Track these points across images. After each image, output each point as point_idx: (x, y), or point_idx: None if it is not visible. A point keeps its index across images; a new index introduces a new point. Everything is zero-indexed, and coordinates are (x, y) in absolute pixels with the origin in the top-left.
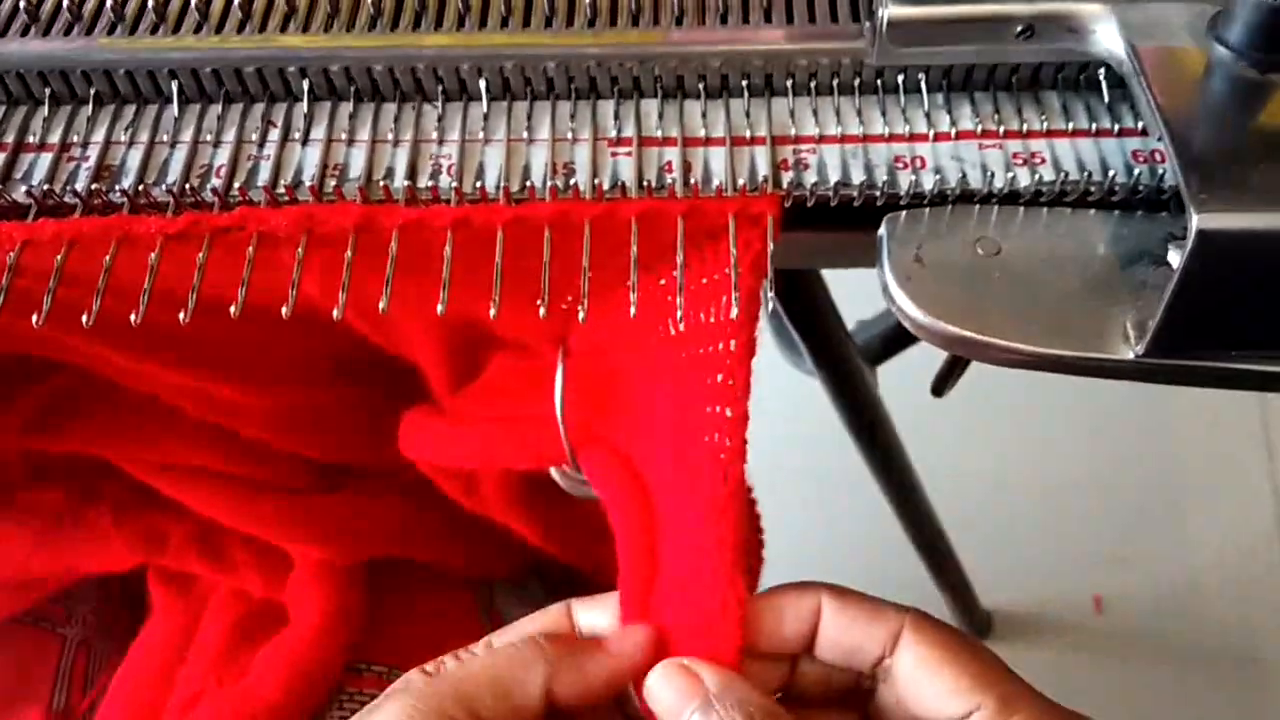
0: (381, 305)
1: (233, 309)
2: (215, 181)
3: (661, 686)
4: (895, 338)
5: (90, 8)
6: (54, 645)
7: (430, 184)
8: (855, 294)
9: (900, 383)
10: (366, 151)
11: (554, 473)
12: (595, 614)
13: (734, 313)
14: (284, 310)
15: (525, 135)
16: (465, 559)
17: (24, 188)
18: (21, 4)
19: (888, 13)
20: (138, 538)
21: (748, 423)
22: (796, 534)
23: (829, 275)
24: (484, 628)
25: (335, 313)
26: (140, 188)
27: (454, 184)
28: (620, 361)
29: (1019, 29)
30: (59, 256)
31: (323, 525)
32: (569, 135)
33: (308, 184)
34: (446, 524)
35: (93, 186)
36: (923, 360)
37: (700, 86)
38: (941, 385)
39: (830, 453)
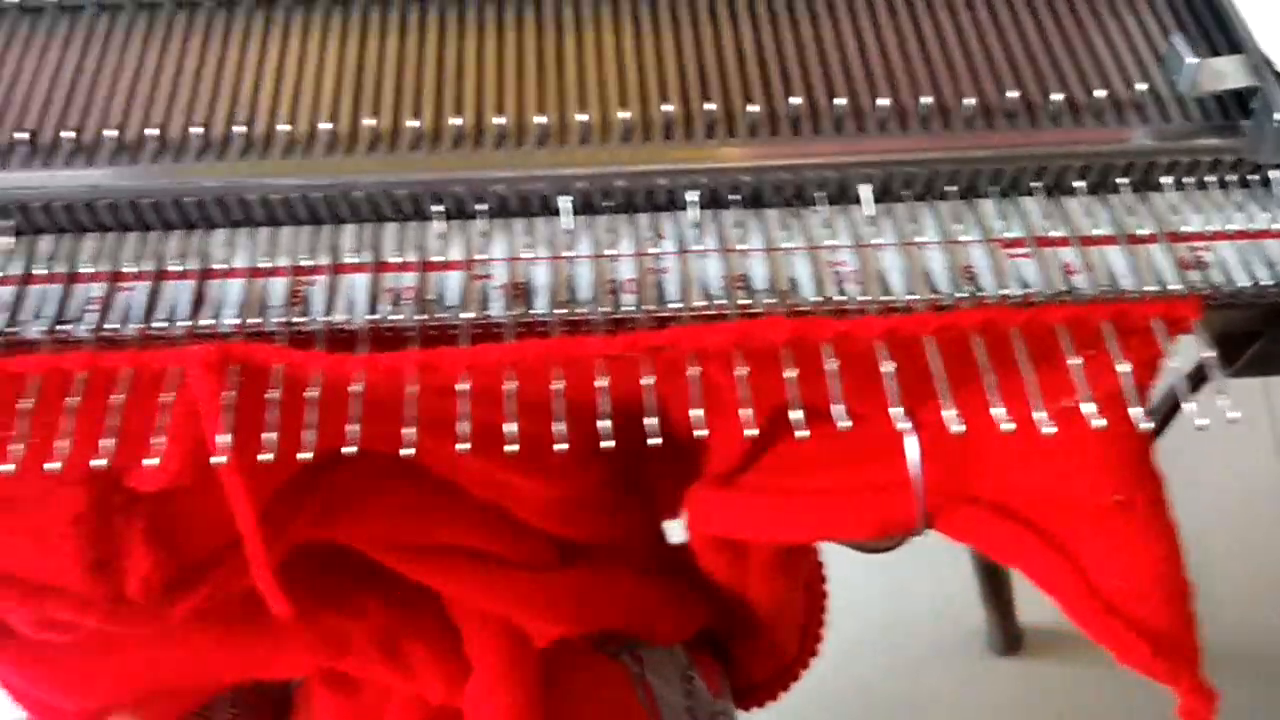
0: (845, 423)
1: (657, 438)
2: (628, 298)
3: None
4: None
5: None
6: None
7: (840, 295)
8: None
9: None
10: (765, 261)
11: None
12: None
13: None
14: (746, 434)
15: (915, 238)
16: (672, 625)
17: (462, 315)
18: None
19: None
20: (319, 639)
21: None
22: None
23: None
24: (640, 701)
25: (800, 434)
26: (571, 310)
27: (866, 295)
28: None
29: None
30: (509, 384)
31: (564, 601)
32: (959, 237)
33: (733, 302)
34: (660, 591)
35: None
36: None
37: (1081, 184)
38: None
39: None
